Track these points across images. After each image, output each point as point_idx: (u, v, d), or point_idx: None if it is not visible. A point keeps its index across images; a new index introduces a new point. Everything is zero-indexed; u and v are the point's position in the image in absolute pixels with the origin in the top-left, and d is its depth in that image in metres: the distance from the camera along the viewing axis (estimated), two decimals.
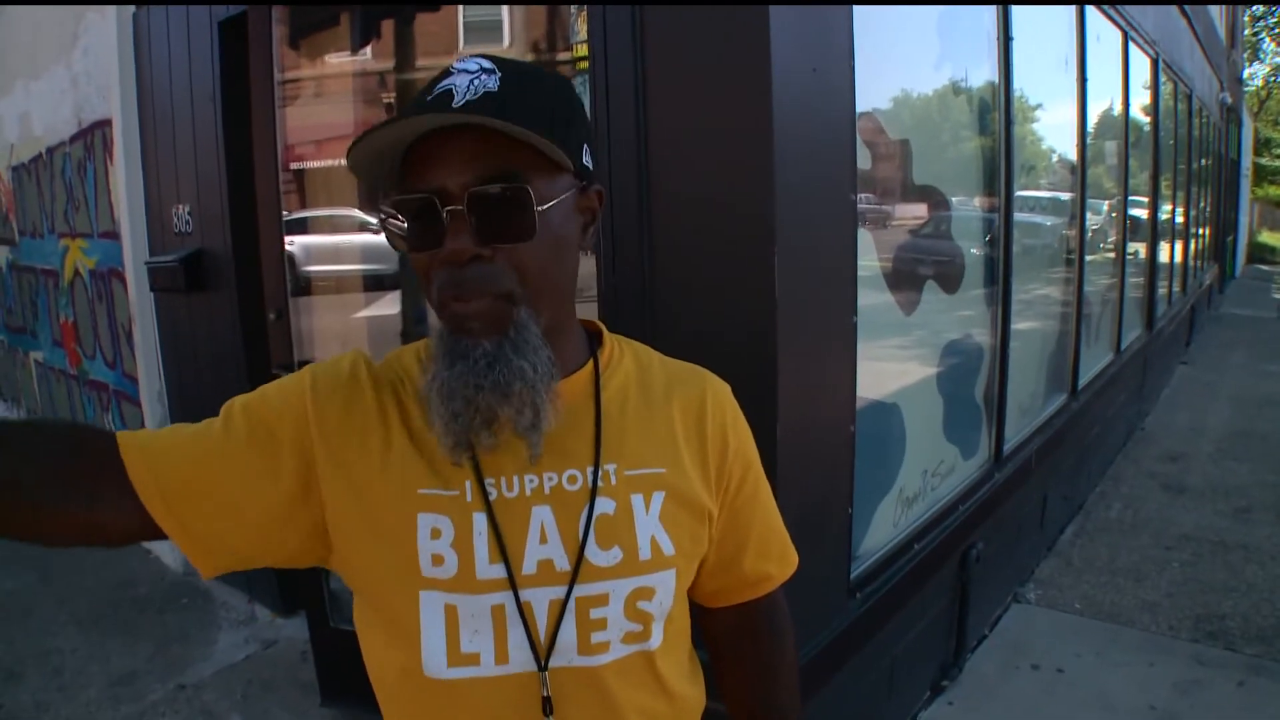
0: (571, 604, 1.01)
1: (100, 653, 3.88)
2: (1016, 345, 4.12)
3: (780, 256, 2.17)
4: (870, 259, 2.95)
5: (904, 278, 3.25)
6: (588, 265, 2.47)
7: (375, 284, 4.12)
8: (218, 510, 0.98)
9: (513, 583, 0.99)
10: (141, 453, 0.97)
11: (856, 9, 2.53)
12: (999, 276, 3.88)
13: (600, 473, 1.04)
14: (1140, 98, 7.60)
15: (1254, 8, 31.61)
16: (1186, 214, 11.32)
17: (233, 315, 3.89)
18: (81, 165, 5.01)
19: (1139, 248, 8.06)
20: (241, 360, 3.88)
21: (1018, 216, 4.13)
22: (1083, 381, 5.55)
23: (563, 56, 3.88)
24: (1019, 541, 4.49)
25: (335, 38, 3.96)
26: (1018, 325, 4.14)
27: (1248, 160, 25.17)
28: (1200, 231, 13.47)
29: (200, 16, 3.79)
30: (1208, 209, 14.54)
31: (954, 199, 3.76)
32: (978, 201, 3.91)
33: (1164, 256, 9.30)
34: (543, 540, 1.01)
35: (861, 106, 2.65)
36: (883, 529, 3.08)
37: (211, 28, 3.70)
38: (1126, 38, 6.58)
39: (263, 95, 3.15)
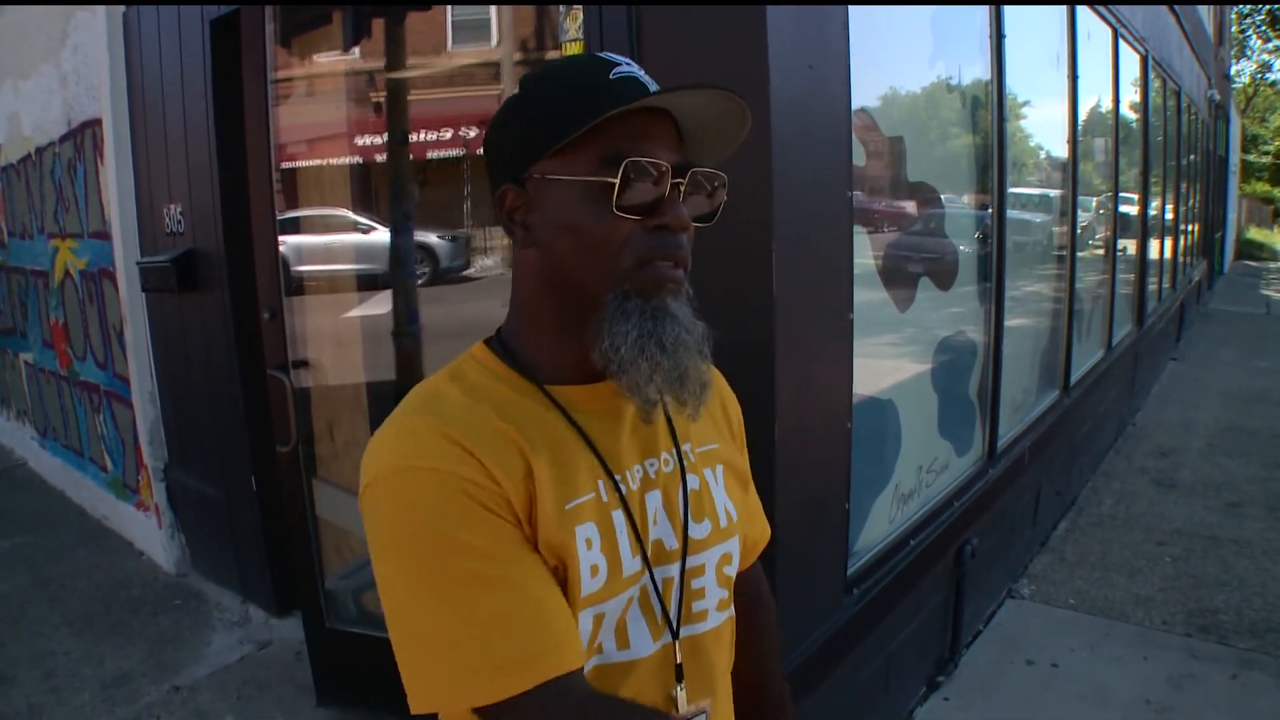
0: (683, 579, 1.08)
1: (94, 655, 3.86)
2: (1009, 342, 4.13)
3: (778, 253, 2.17)
4: (864, 256, 2.96)
5: (898, 274, 3.26)
6: None
7: (368, 284, 4.11)
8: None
9: (650, 570, 1.05)
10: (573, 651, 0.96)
11: (852, 8, 2.54)
12: (992, 273, 3.90)
13: (682, 452, 1.11)
14: (1130, 95, 7.63)
15: (1240, 6, 31.71)
16: (1176, 210, 11.37)
17: (225, 315, 3.88)
18: (72, 165, 4.98)
19: (1129, 244, 8.10)
20: (234, 361, 3.87)
21: (1010, 213, 4.15)
22: (1074, 378, 5.57)
23: (551, 55, 3.88)
24: (1013, 537, 4.51)
25: (326, 37, 3.94)
26: (1010, 322, 4.16)
27: (1235, 157, 25.29)
28: (1189, 228, 13.53)
29: (191, 15, 3.78)
30: (1196, 205, 14.61)
31: (947, 196, 3.77)
32: (970, 198, 3.92)
33: (1154, 253, 9.34)
34: (655, 523, 1.07)
35: (855, 104, 2.66)
36: (879, 525, 3.09)
37: (203, 26, 3.69)
38: (1116, 35, 6.61)
39: (255, 94, 3.14)
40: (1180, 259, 12.13)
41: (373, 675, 3.20)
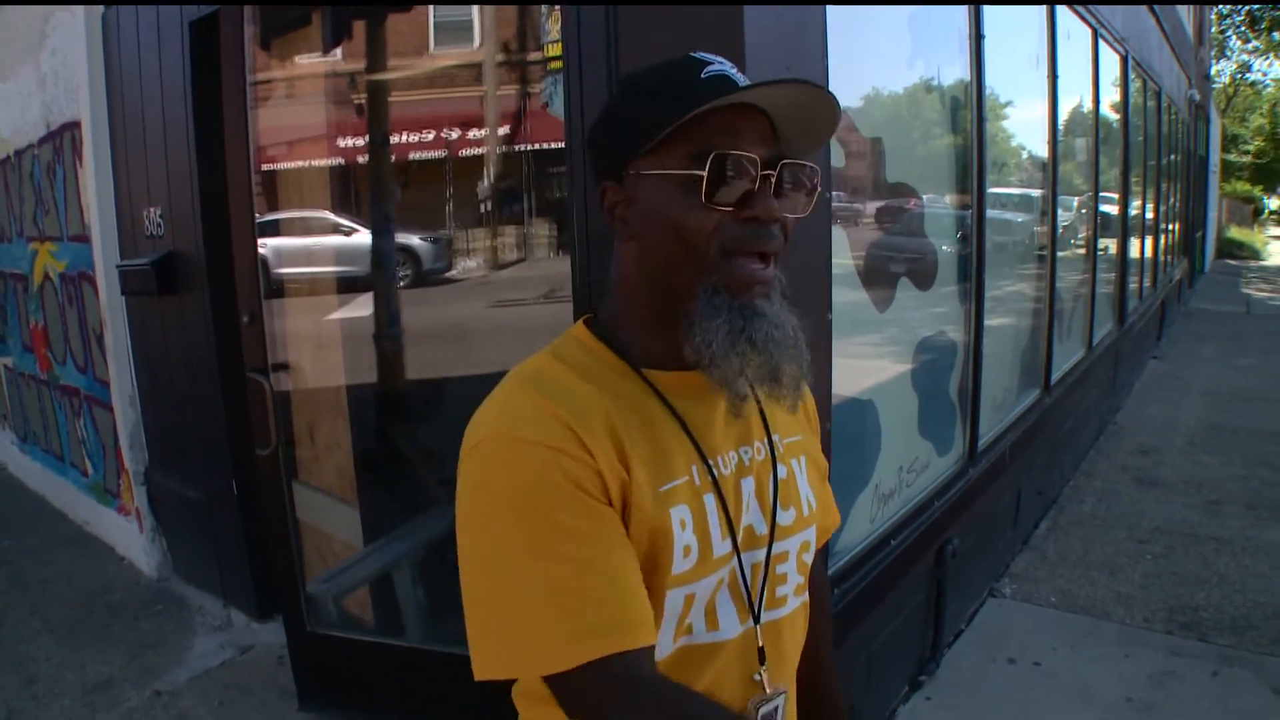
0: (768, 564, 1.13)
1: (75, 660, 3.84)
2: (989, 341, 4.15)
3: None
4: (844, 256, 2.97)
5: (877, 275, 3.27)
6: (564, 265, 2.47)
7: (348, 286, 4.11)
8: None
9: (738, 554, 1.09)
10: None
11: (830, 9, 2.55)
12: (972, 273, 3.91)
13: (773, 442, 1.16)
14: (1110, 95, 7.68)
15: (1220, 6, 31.92)
16: (1156, 210, 11.43)
17: (205, 318, 3.87)
18: (51, 168, 4.96)
19: (1110, 243, 8.14)
20: (214, 363, 3.86)
21: (990, 213, 4.17)
22: (1055, 377, 5.60)
23: (534, 57, 3.88)
24: (994, 536, 4.53)
25: (306, 38, 3.93)
26: (991, 321, 4.18)
27: (1216, 156, 25.44)
28: (1170, 227, 13.60)
29: (171, 16, 3.76)
30: (1177, 204, 14.68)
31: (927, 196, 3.78)
32: (950, 198, 3.94)
33: (1134, 252, 9.39)
34: (747, 509, 1.11)
35: None
36: (859, 525, 3.10)
37: (183, 28, 3.68)
38: (1096, 36, 6.65)
39: (234, 96, 3.13)
40: (1161, 258, 12.20)
41: (354, 679, 3.19)
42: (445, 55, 4.41)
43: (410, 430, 3.73)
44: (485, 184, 4.14)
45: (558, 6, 2.51)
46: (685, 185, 1.00)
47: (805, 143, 1.10)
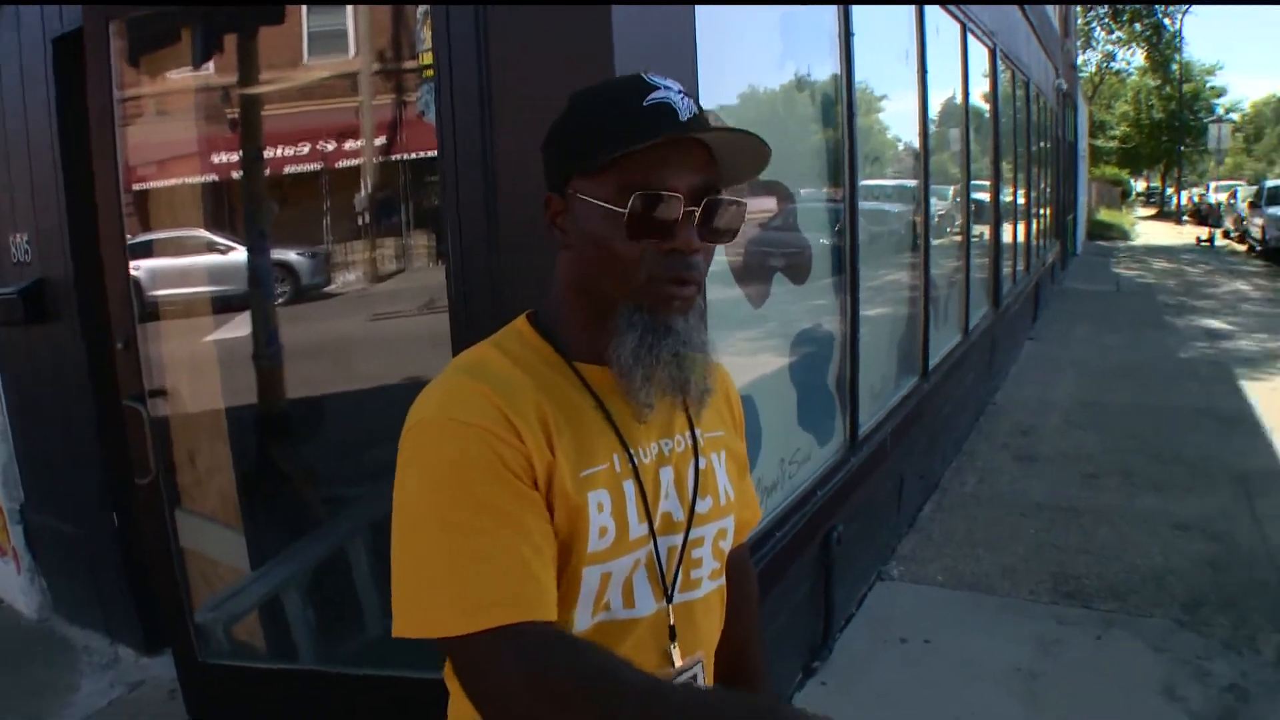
0: (684, 549, 1.21)
1: None
2: (866, 331, 4.26)
3: None
4: (718, 254, 3.01)
5: (752, 271, 3.32)
6: (442, 275, 2.47)
7: (224, 306, 4.01)
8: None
9: (654, 536, 1.17)
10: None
11: (700, 8, 2.58)
12: (846, 265, 4.01)
13: (695, 436, 1.25)
14: (980, 86, 7.93)
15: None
16: (1028, 195, 11.83)
17: (78, 347, 3.75)
18: None
19: (983, 230, 8.39)
20: (89, 393, 3.74)
21: (864, 205, 4.27)
22: (933, 363, 5.76)
23: (409, 65, 3.84)
24: (879, 521, 4.65)
25: (176, 53, 3.83)
26: (867, 311, 4.28)
27: (1084, 142, 26.45)
28: (1041, 211, 14.08)
29: (32, 34, 3.64)
30: (1048, 190, 15.21)
31: (801, 191, 3.86)
32: (824, 193, 4.02)
33: (1007, 237, 9.69)
34: (665, 497, 1.20)
35: (706, 105, 2.71)
36: None
37: (45, 45, 3.56)
38: (965, 30, 6.86)
39: (101, 114, 3.04)
40: (1034, 242, 12.62)
41: (250, 707, 3.13)
42: (320, 66, 4.34)
43: (293, 450, 3.67)
44: (362, 195, 4.08)
45: (425, 5, 2.50)
46: (613, 216, 1.08)
47: (744, 168, 1.18)
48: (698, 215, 1.09)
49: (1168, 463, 6.52)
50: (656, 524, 1.17)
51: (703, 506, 1.24)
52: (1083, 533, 5.23)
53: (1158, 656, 3.87)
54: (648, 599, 1.18)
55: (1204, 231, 29.83)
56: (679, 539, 1.21)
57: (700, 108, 1.11)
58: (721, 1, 2.90)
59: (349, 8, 3.90)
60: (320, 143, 4.48)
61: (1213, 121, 35.83)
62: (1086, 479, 6.20)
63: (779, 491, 3.44)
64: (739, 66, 3.34)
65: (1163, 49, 43.74)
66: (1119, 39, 45.25)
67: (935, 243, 6.08)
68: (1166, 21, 42.36)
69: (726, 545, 1.29)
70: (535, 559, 1.03)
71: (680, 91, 1.11)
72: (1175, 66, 43.11)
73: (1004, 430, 7.44)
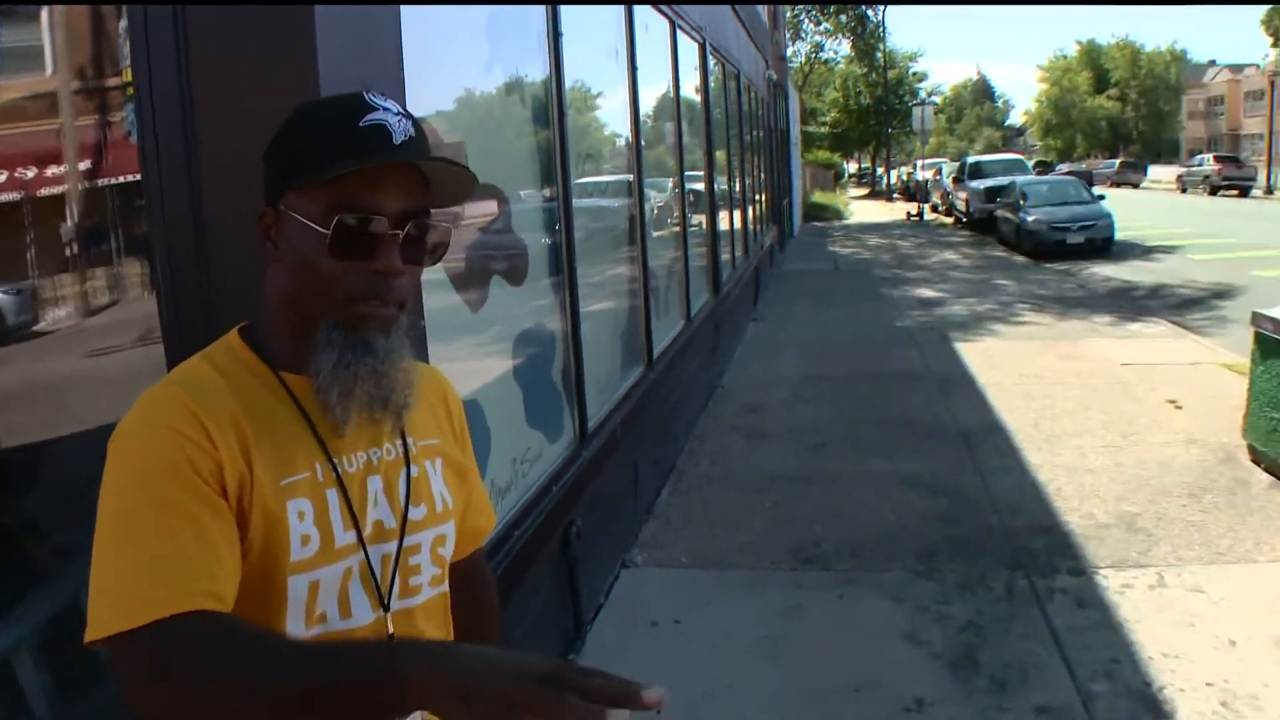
0: (399, 556, 1.21)
1: None
2: (589, 326, 4.34)
3: None
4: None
5: (469, 276, 3.29)
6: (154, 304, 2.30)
7: None
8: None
9: (363, 545, 1.17)
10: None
11: (405, 9, 2.53)
12: (564, 263, 4.06)
13: (407, 445, 1.26)
14: (691, 80, 8.21)
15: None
16: (743, 183, 12.40)
17: None
18: None
19: (701, 219, 8.72)
20: None
21: (580, 203, 4.34)
22: (657, 351, 5.93)
23: (113, 82, 3.57)
24: (618, 511, 4.76)
25: None
26: (588, 307, 4.36)
27: (796, 129, 28.00)
28: (758, 198, 14.82)
29: None
30: (763, 176, 16.02)
31: (516, 193, 3.86)
32: (538, 193, 4.04)
33: (725, 225, 10.14)
34: (375, 505, 1.20)
35: (422, 112, 2.66)
36: None
37: None
38: (674, 26, 7.08)
39: None
40: (751, 227, 13.25)
41: None
42: (13, 85, 3.97)
43: (12, 503, 3.34)
44: (69, 225, 3.76)
45: (125, 8, 2.32)
46: (318, 234, 1.10)
47: (453, 193, 1.21)
48: (401, 237, 1.12)
49: (893, 426, 7.03)
50: (367, 532, 1.17)
51: (416, 514, 1.24)
52: (816, 501, 5.54)
53: (898, 606, 4.19)
54: (364, 608, 1.18)
55: (913, 207, 32.31)
56: (393, 546, 1.21)
57: (417, 130, 1.14)
58: (427, 1, 2.85)
59: (44, 20, 3.57)
60: (18, 170, 4.10)
61: (916, 105, 38.66)
62: (816, 449, 6.57)
63: (514, 491, 3.45)
64: (453, 71, 3.32)
65: (867, 39, 46.95)
66: (826, 30, 48.25)
67: (655, 235, 6.26)
68: (870, 13, 45.50)
69: (447, 552, 1.30)
70: (206, 554, 1.02)
71: (399, 114, 1.13)
72: (880, 55, 46.30)
73: (733, 410, 7.77)
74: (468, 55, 3.48)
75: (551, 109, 4.05)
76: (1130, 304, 12.88)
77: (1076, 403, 7.47)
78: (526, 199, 3.95)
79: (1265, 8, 43.68)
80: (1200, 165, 43.73)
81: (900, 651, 3.82)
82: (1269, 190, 40.17)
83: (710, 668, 3.74)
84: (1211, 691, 3.43)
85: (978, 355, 9.49)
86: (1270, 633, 3.80)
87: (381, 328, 1.15)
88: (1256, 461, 5.75)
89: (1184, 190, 43.62)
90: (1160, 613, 4.03)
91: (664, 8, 6.56)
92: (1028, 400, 7.61)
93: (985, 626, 3.98)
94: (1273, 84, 47.20)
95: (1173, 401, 7.36)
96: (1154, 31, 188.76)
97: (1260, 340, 5.70)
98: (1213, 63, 77.59)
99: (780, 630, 4.04)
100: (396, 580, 1.21)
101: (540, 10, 4.00)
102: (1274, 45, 45.39)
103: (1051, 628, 3.94)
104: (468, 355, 3.36)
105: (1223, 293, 13.49)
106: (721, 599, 4.35)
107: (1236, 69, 68.80)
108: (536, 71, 4.02)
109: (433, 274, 2.90)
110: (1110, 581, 4.34)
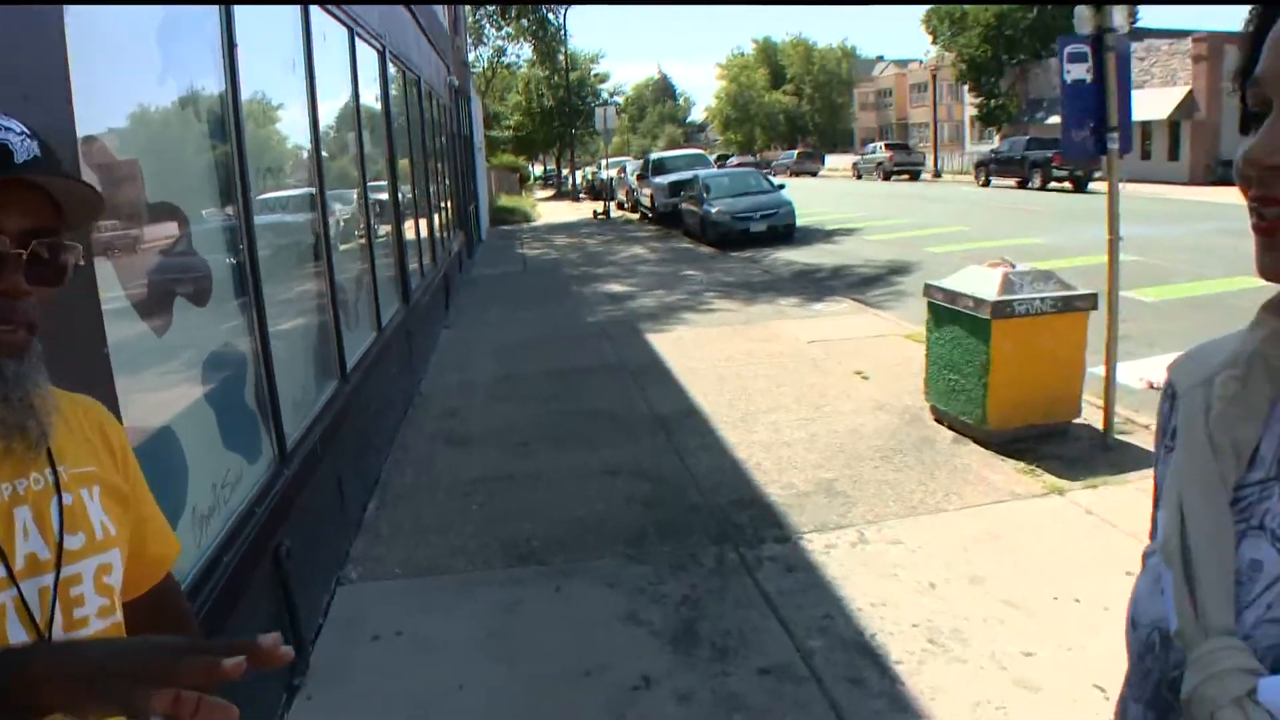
0: (57, 588, 1.17)
1: None
2: (279, 344, 4.28)
3: None
4: (115, 289, 2.85)
5: (152, 301, 3.18)
6: None
7: None
8: None
9: (13, 579, 1.11)
10: None
11: (69, 8, 2.43)
12: (249, 281, 3.97)
13: (58, 473, 1.21)
14: (372, 89, 8.14)
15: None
16: (428, 190, 12.37)
17: None
18: None
19: (387, 229, 8.67)
20: None
21: (262, 219, 4.26)
22: (350, 364, 5.90)
23: None
24: (325, 527, 4.72)
25: None
26: (278, 325, 4.30)
27: (480, 134, 28.00)
28: (444, 205, 14.78)
29: None
30: (448, 183, 15.99)
31: (197, 212, 3.73)
32: (219, 211, 3.93)
33: (411, 234, 10.11)
34: (25, 537, 1.15)
35: (94, 129, 2.59)
36: (188, 551, 3.04)
37: None
38: (353, 34, 7.01)
39: None
40: (439, 234, 13.24)
41: None
42: None
43: None
44: None
45: None
46: None
47: (82, 213, 1.19)
48: (26, 257, 1.08)
49: (591, 419, 7.27)
50: (18, 567, 1.13)
51: (74, 542, 1.20)
52: (523, 498, 5.68)
53: (615, 591, 4.38)
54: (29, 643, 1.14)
55: (600, 206, 32.97)
56: (49, 579, 1.16)
57: (44, 150, 1.10)
58: (91, 1, 2.73)
59: None
60: None
61: (599, 105, 39.53)
62: (518, 448, 6.70)
63: (218, 517, 3.39)
64: (127, 86, 3.21)
65: (549, 41, 47.57)
66: (508, 34, 48.50)
67: (341, 247, 6.20)
68: (551, 16, 46.15)
69: (114, 580, 1.26)
70: None
71: (24, 134, 1.10)
72: (562, 57, 47.04)
73: (433, 417, 7.79)
74: (146, 71, 3.35)
75: (229, 123, 3.95)
76: (814, 285, 13.96)
77: (769, 381, 8.03)
78: (208, 218, 3.84)
79: (925, 8, 48.54)
80: (873, 153, 48.30)
81: (622, 634, 4.01)
82: (937, 174, 45.06)
83: (438, 673, 3.80)
84: (918, 631, 3.86)
85: (670, 344, 9.95)
86: (965, 573, 4.33)
87: (10, 352, 1.10)
88: (939, 420, 6.51)
89: (859, 176, 48.10)
90: (865, 567, 4.47)
91: (342, 14, 6.49)
92: (721, 383, 8.08)
93: (701, 600, 4.24)
94: (934, 77, 52.96)
95: (859, 373, 8.10)
96: (826, 30, 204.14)
97: (933, 309, 6.46)
98: (880, 58, 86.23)
99: (502, 628, 4.14)
100: (58, 613, 1.16)
101: (214, 22, 3.89)
102: (933, 43, 50.53)
103: (764, 593, 4.26)
104: (156, 383, 3.25)
105: (899, 269, 14.93)
106: (440, 605, 4.39)
107: (902, 64, 76.23)
108: (213, 84, 3.91)
109: (114, 302, 2.80)
110: (815, 544, 4.75)
